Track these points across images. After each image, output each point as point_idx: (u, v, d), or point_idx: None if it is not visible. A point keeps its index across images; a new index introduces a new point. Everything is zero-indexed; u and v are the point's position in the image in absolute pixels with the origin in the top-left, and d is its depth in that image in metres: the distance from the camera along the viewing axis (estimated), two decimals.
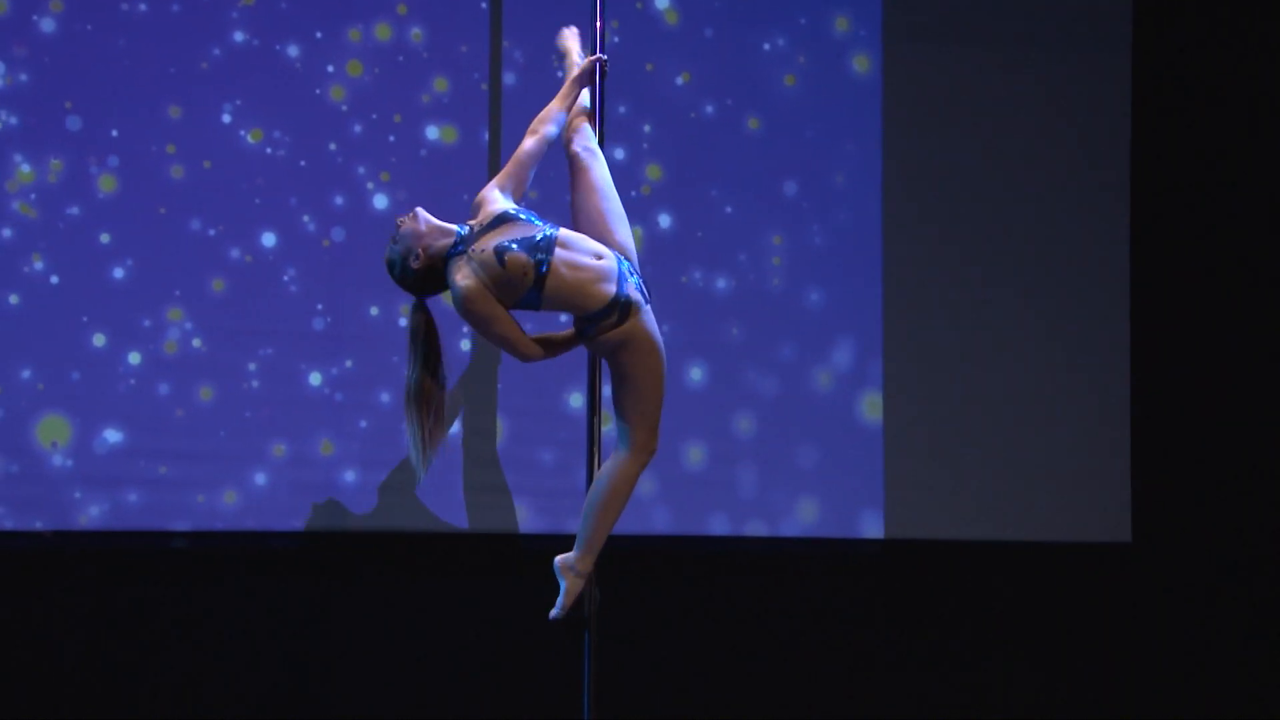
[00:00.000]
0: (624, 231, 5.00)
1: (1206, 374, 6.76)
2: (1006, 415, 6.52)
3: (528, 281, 4.77)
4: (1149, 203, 6.71)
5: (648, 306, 4.89)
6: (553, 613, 4.98)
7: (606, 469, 4.92)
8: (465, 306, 4.79)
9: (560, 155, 5.16)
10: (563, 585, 4.97)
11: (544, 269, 4.77)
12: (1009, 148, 6.59)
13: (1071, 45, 6.64)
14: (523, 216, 4.86)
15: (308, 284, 6.01)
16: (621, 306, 4.83)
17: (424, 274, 4.86)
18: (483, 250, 4.78)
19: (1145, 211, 6.70)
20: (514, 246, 4.77)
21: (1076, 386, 6.57)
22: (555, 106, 5.06)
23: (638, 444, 4.88)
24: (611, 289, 4.82)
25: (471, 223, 4.89)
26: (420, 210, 4.89)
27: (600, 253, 4.86)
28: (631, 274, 4.88)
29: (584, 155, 5.07)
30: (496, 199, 4.91)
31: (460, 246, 4.83)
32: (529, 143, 5.00)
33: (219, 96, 5.98)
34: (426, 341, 4.88)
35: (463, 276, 4.78)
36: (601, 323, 4.83)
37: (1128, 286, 6.64)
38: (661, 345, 4.90)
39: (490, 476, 6.08)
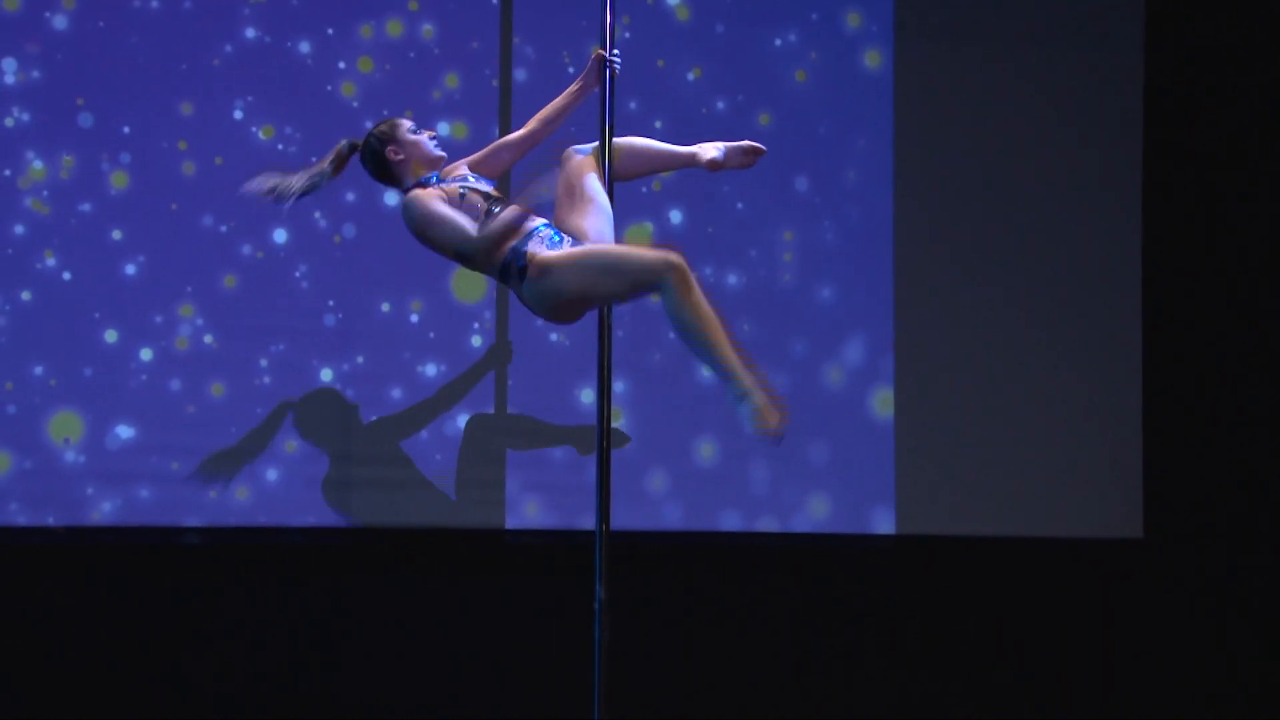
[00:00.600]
0: (581, 219, 5.07)
1: (1219, 370, 6.74)
2: (1018, 411, 6.51)
3: (477, 218, 5.01)
4: (1161, 199, 6.69)
5: (553, 251, 4.94)
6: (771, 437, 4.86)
7: (667, 310, 4.84)
8: (414, 205, 5.01)
9: None
10: (747, 409, 4.87)
11: (489, 215, 5.01)
12: (1021, 144, 6.58)
13: (1084, 43, 6.63)
14: (484, 186, 5.15)
15: (319, 280, 6.02)
16: (518, 258, 4.94)
17: (383, 165, 5.14)
18: (448, 184, 5.09)
19: (1157, 208, 6.68)
20: (474, 191, 5.07)
21: (1088, 382, 6.56)
22: (557, 104, 5.24)
23: (660, 276, 4.79)
24: (513, 241, 4.96)
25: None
26: (443, 154, 5.15)
27: (532, 218, 5.02)
28: (556, 238, 4.98)
29: (563, 157, 5.20)
30: (465, 171, 5.22)
31: (425, 183, 5.10)
32: (514, 135, 5.29)
33: (231, 93, 5.99)
34: (332, 171, 5.15)
35: (416, 192, 5.06)
36: (509, 281, 4.98)
37: (1139, 283, 6.63)
38: (571, 253, 4.91)
39: (500, 473, 6.09)
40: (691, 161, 5.30)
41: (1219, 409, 6.74)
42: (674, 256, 4.77)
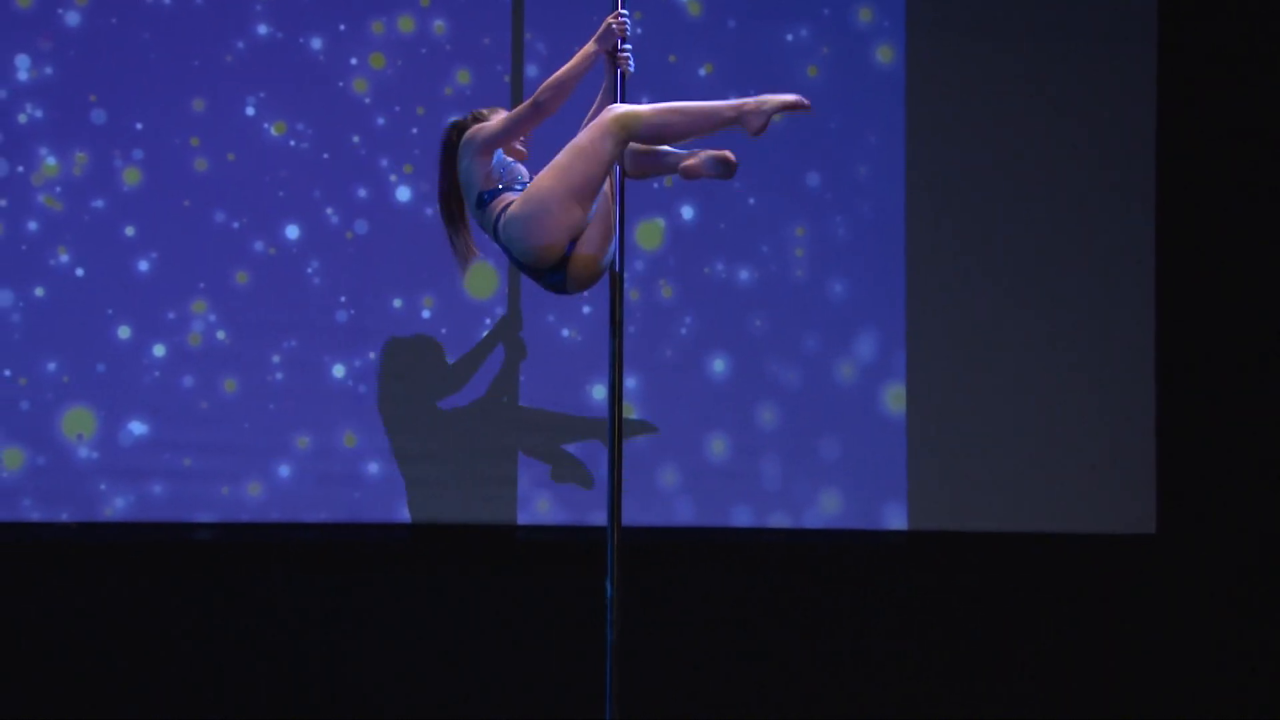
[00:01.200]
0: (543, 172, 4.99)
1: (1232, 365, 6.72)
2: (1031, 406, 6.50)
3: (498, 185, 5.02)
4: (1174, 193, 6.68)
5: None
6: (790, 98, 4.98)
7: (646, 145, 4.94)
8: (474, 134, 5.04)
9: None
10: (767, 117, 4.98)
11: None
12: (1033, 138, 6.56)
13: (1096, 37, 6.61)
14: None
15: (331, 276, 6.03)
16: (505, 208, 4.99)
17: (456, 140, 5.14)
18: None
19: (1170, 201, 6.67)
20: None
21: (1101, 377, 6.55)
22: (568, 76, 5.07)
23: (616, 132, 4.83)
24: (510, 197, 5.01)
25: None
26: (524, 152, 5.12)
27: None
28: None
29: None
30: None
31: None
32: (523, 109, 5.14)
33: (242, 89, 6.00)
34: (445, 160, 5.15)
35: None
36: (498, 235, 5.00)
37: (1153, 277, 6.62)
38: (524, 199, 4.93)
39: (511, 469, 6.09)
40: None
41: (1232, 403, 6.72)
42: (612, 110, 4.86)
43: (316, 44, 6.07)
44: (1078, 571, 6.58)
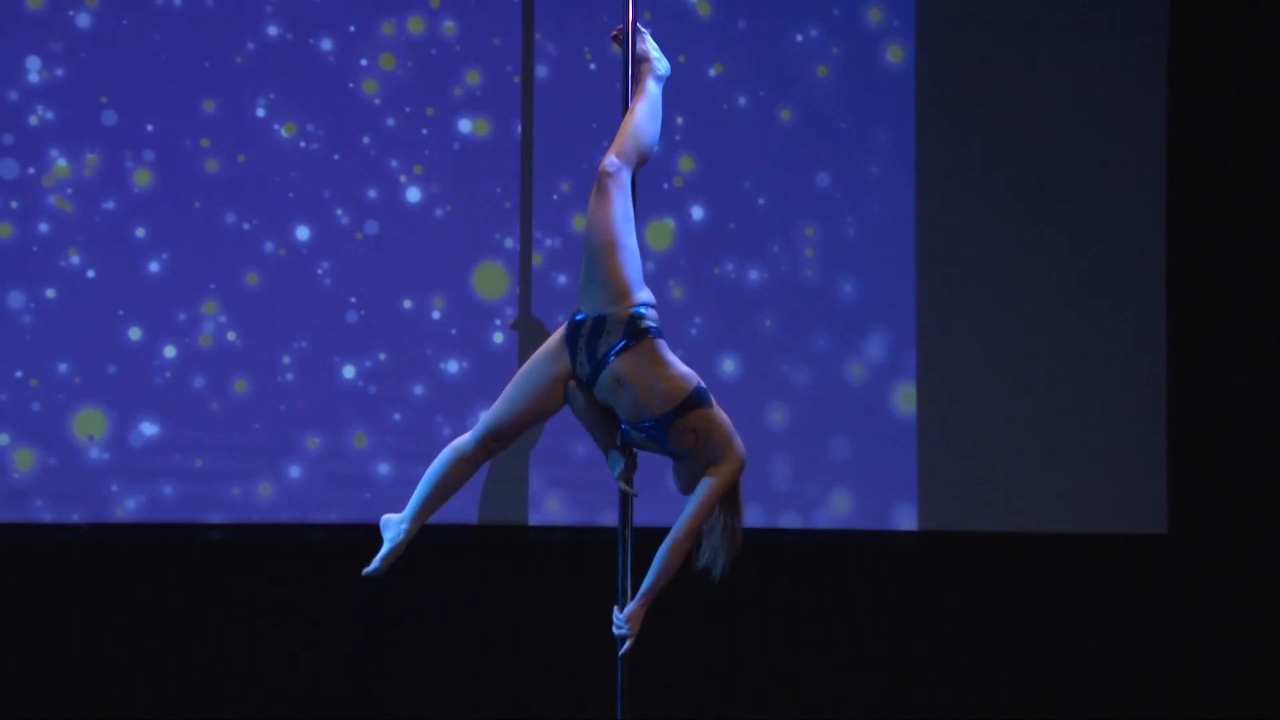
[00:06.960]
0: None
1: (1243, 365, 6.72)
2: (1041, 406, 6.50)
3: None
4: (1185, 192, 6.67)
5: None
6: None
7: None
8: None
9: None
10: None
11: None
12: (1043, 137, 6.56)
13: (1106, 37, 6.61)
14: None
15: (341, 277, 6.04)
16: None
17: None
18: None
19: (1181, 201, 6.66)
20: None
21: (1112, 378, 6.54)
22: None
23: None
24: None
25: None
26: None
27: None
28: None
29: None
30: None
31: None
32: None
33: (253, 90, 6.01)
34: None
35: None
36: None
37: (1163, 278, 6.61)
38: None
39: (522, 470, 6.09)
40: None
41: (1243, 404, 6.71)
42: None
43: (326, 45, 6.07)
44: (1089, 572, 6.58)
